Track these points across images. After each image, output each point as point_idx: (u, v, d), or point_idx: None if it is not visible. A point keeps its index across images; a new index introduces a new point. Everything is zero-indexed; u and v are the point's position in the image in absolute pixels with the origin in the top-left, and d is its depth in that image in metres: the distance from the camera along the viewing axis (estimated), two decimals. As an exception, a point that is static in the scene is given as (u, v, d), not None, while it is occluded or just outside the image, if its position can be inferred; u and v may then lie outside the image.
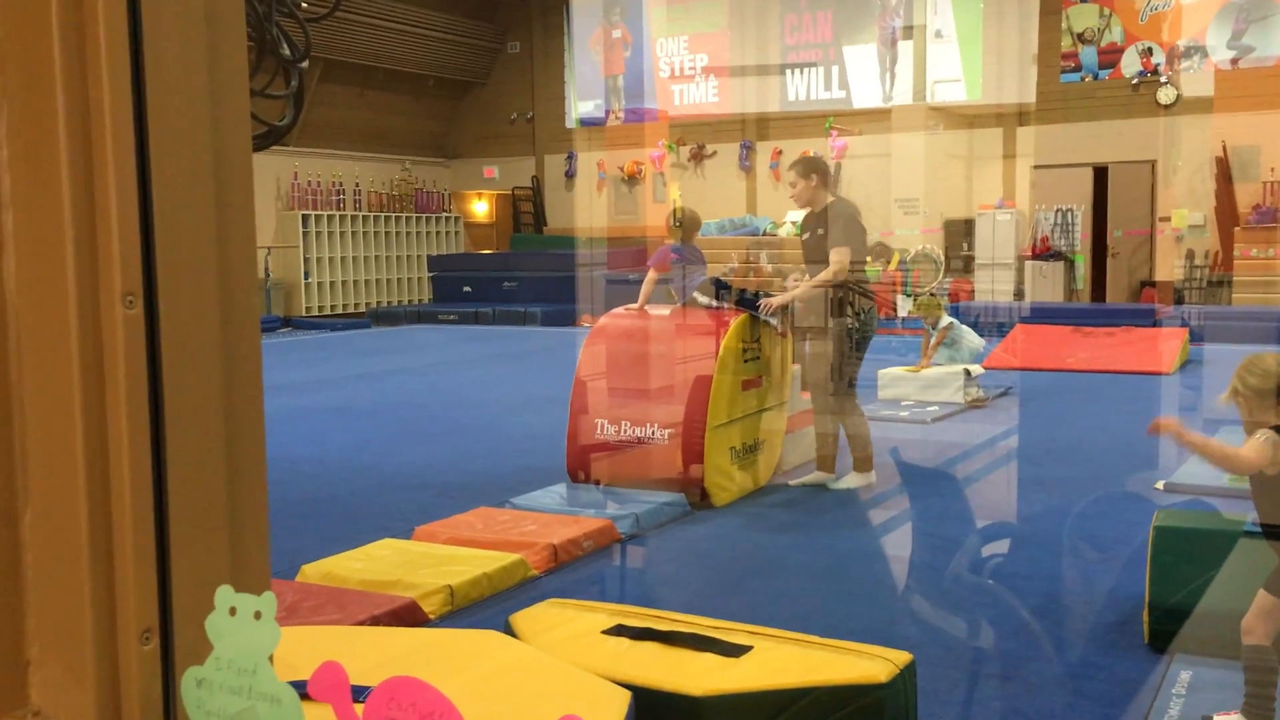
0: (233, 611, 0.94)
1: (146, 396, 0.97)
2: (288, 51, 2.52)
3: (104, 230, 0.96)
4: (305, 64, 2.56)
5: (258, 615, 0.93)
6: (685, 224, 6.50)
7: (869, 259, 16.32)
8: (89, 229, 0.96)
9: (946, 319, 9.16)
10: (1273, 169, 14.91)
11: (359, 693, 0.95)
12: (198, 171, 1.01)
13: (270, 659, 0.95)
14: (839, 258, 5.71)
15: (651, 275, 6.46)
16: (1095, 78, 16.16)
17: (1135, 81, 15.92)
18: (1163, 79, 15.72)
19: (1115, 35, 16.00)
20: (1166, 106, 15.69)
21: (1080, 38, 16.20)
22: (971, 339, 9.15)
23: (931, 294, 11.66)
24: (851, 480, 5.93)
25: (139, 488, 0.97)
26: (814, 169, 5.92)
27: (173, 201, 0.99)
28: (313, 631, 2.76)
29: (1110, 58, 16.06)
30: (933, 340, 9.01)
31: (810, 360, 6.37)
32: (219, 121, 1.04)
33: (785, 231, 17.63)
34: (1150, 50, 15.80)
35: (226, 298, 1.03)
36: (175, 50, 0.99)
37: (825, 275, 5.77)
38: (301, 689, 0.95)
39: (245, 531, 1.05)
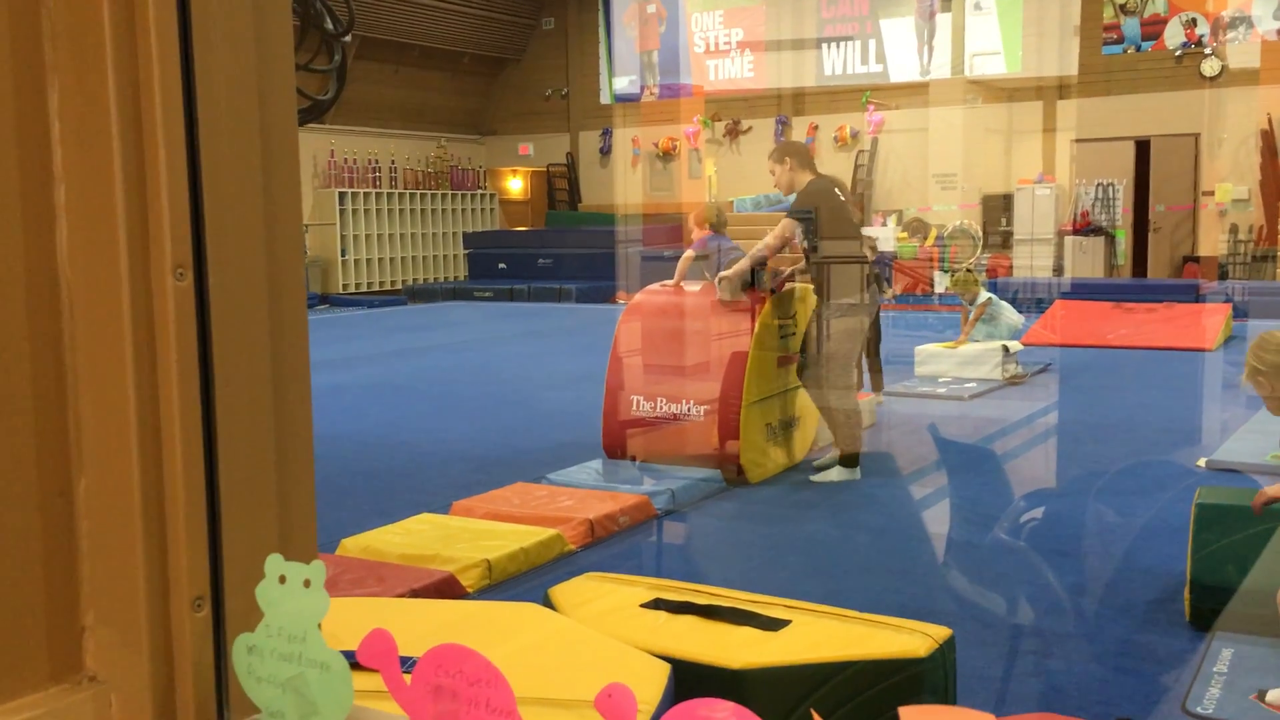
0: (282, 579, 0.95)
1: (197, 367, 0.98)
2: (331, 25, 2.53)
3: (154, 204, 0.97)
4: (349, 38, 2.57)
5: (307, 583, 0.95)
6: (719, 220, 6.52)
7: (905, 234, 16.22)
8: (140, 203, 0.97)
9: (984, 295, 9.08)
10: (1320, 141, 14.64)
11: (403, 663, 0.96)
12: (245, 145, 1.02)
13: (319, 626, 0.97)
14: (778, 229, 5.63)
15: (689, 254, 6.45)
16: (1138, 49, 15.91)
17: (1179, 53, 15.65)
18: (1207, 50, 15.44)
19: (1158, 6, 15.72)
20: (1211, 78, 15.42)
21: (1123, 9, 15.94)
22: (1010, 315, 9.08)
23: (968, 270, 11.53)
24: (836, 474, 5.62)
25: (190, 458, 0.99)
26: (787, 153, 5.78)
27: (221, 175, 1.00)
28: (355, 603, 2.80)
29: (1153, 29, 15.80)
30: (970, 316, 8.95)
31: (841, 337, 6.33)
32: (265, 95, 1.04)
33: (821, 207, 17.51)
34: (1194, 21, 15.51)
35: (274, 270, 1.04)
36: (223, 24, 0.99)
37: (759, 247, 5.70)
38: (348, 658, 0.97)
39: (293, 501, 1.06)
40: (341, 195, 18.60)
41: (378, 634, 0.94)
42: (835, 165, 18.08)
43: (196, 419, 0.98)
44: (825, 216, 5.64)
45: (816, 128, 18.25)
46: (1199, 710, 2.97)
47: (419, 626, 2.28)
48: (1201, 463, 5.71)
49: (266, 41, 1.03)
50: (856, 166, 17.73)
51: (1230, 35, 15.27)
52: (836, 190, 5.76)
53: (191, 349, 0.98)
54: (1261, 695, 3.01)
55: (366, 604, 2.79)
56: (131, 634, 1.00)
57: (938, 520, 5.13)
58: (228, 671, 1.00)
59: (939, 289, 15.35)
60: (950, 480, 5.91)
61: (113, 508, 1.00)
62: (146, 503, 0.98)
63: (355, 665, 0.96)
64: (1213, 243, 15.46)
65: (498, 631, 2.30)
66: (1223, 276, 14.82)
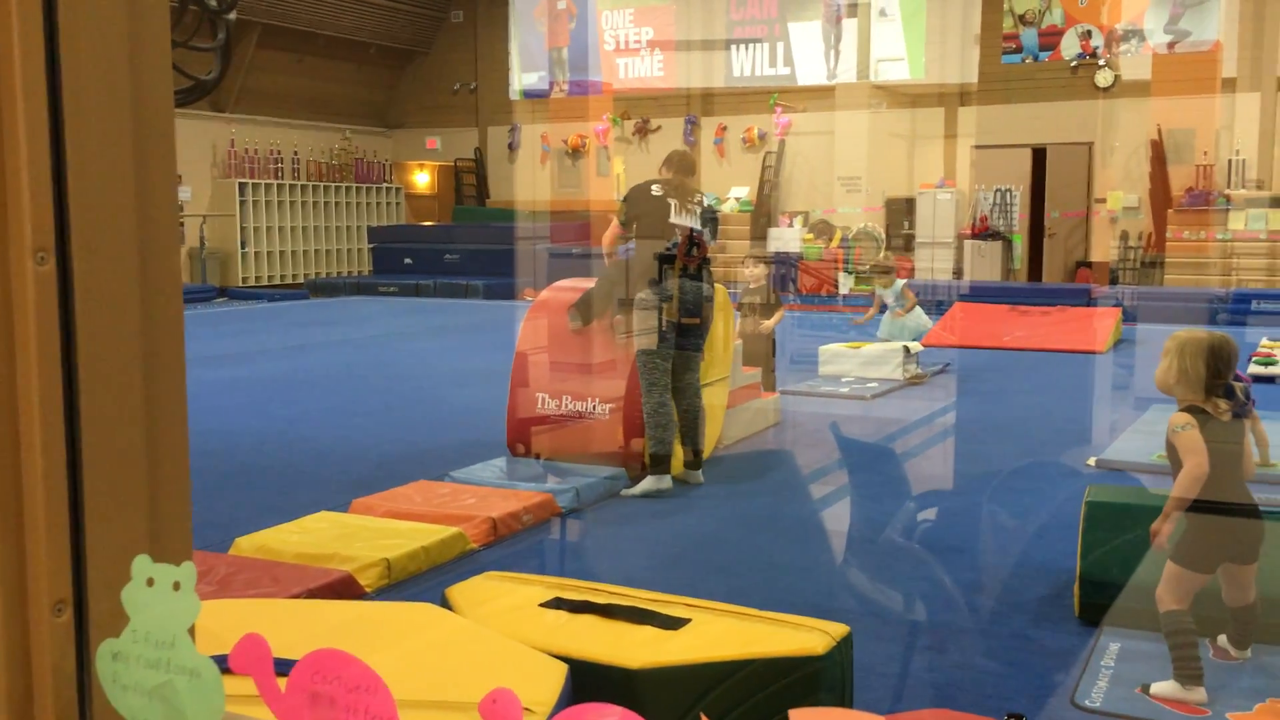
0: (150, 582, 0.90)
1: (59, 357, 0.93)
2: (213, 1, 2.44)
3: (13, 183, 0.92)
4: (232, 15, 2.48)
5: (176, 586, 0.90)
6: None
7: (811, 236, 16.37)
8: (-3, 181, 0.91)
9: (900, 283, 9.30)
10: (1205, 152, 15.20)
11: (286, 666, 0.92)
12: (115, 123, 0.97)
13: (192, 632, 0.92)
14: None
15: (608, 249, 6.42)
16: (1036, 59, 16.34)
17: (1074, 64, 16.11)
18: (1101, 62, 15.93)
19: (1056, 17, 16.17)
20: (1104, 89, 15.91)
21: (1022, 19, 16.36)
22: (919, 315, 9.26)
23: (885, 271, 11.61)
24: (642, 485, 5.38)
25: (51, 453, 0.93)
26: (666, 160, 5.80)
27: (88, 154, 0.94)
28: (244, 604, 2.71)
29: (1050, 40, 16.24)
30: (894, 306, 9.12)
31: (752, 339, 6.38)
32: (138, 72, 0.99)
33: (729, 207, 17.65)
34: (1089, 33, 15.99)
35: (146, 255, 0.99)
36: (90, -6, 0.94)
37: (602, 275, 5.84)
38: (222, 662, 0.92)
39: (165, 499, 1.01)
40: (242, 186, 18.16)
41: (250, 639, 0.90)
42: (743, 166, 18.22)
43: (58, 411, 0.93)
44: (641, 214, 5.58)
45: (725, 128, 18.38)
46: (1087, 703, 3.04)
47: (310, 629, 2.22)
48: (1091, 462, 5.87)
49: (140, 15, 0.98)
50: (764, 168, 17.89)
51: (1123, 48, 15.77)
52: (653, 188, 5.63)
53: (53, 337, 0.92)
54: (1146, 688, 3.10)
55: (255, 606, 2.71)
56: (-14, 641, 0.94)
57: (839, 518, 5.19)
58: (91, 680, 0.94)
59: (843, 290, 15.58)
60: (851, 479, 5.99)
61: (-34, 506, 0.93)
62: (3, 501, 0.93)
63: (228, 670, 0.92)
64: (1104, 248, 15.95)
65: (391, 633, 2.24)
66: (1113, 281, 15.30)
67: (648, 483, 5.36)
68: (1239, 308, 12.85)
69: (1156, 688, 3.07)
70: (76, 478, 0.94)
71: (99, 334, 0.95)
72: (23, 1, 0.91)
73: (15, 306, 0.92)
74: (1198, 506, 3.05)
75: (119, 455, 0.97)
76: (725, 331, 6.34)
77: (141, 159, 0.99)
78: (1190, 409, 3.07)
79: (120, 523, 0.97)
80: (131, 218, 0.98)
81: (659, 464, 5.38)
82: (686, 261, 5.49)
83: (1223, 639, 3.30)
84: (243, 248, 18.16)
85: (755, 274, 7.80)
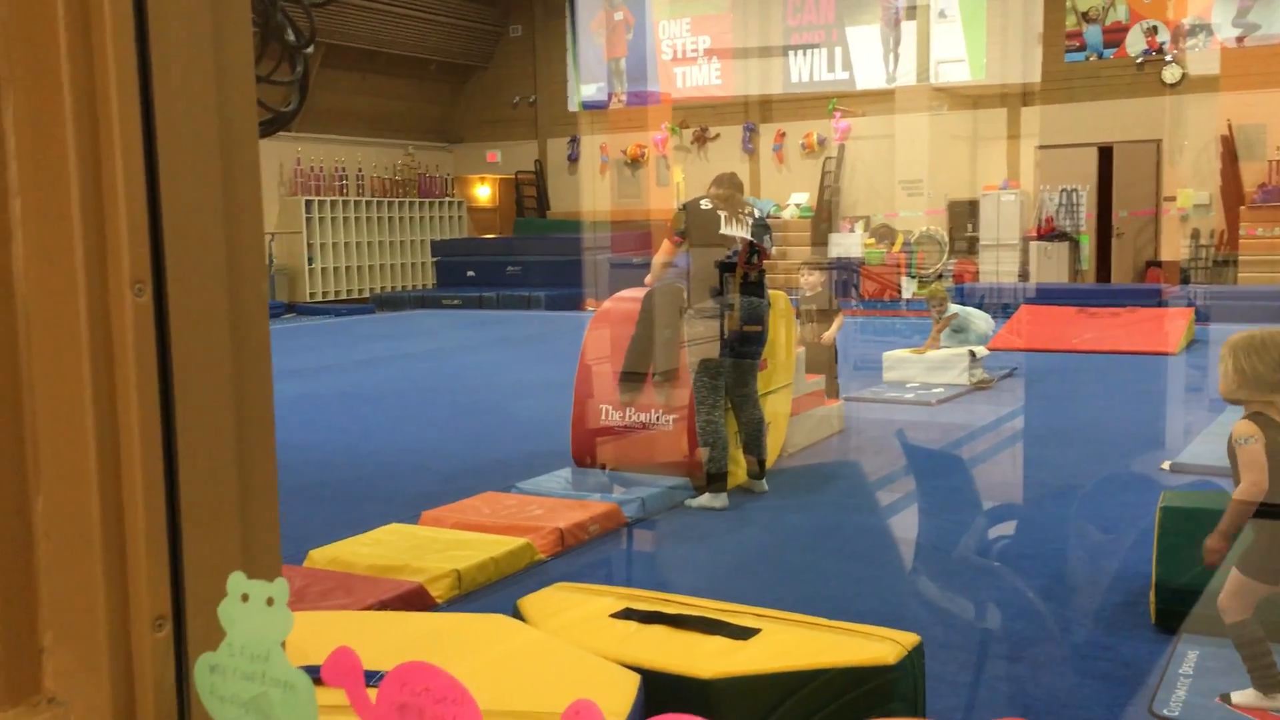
0: (245, 598, 0.94)
1: (156, 384, 0.97)
2: (292, 37, 2.51)
3: (112, 218, 0.96)
4: (310, 49, 2.54)
5: (270, 601, 0.93)
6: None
7: (873, 241, 16.26)
8: (97, 216, 0.96)
9: (952, 308, 9.14)
10: (1278, 147, 14.84)
11: (370, 677, 0.95)
12: (205, 158, 1.01)
13: (283, 645, 0.95)
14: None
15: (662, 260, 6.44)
16: (1100, 57, 16.08)
17: (1140, 60, 15.84)
18: (1168, 57, 15.64)
19: (1120, 14, 15.91)
20: (1172, 85, 15.62)
21: (1085, 16, 16.12)
22: (980, 324, 9.12)
23: (939, 277, 11.54)
24: (701, 500, 5.38)
25: (150, 475, 0.97)
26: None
27: (180, 188, 0.99)
28: (322, 617, 2.77)
29: (1115, 36, 15.98)
30: (935, 329, 9.00)
31: (814, 347, 6.34)
32: (225, 108, 1.03)
33: (789, 214, 17.59)
34: (1155, 29, 15.71)
35: (235, 284, 1.03)
36: (180, 35, 0.98)
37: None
38: (313, 674, 0.96)
39: (256, 518, 1.05)
40: (308, 203, 18.49)
41: (342, 652, 0.93)
42: (803, 172, 18.16)
43: (156, 436, 0.97)
44: (694, 226, 5.60)
45: (784, 134, 18.33)
46: (1165, 713, 2.99)
47: (387, 640, 2.27)
48: (1166, 466, 5.76)
49: (226, 53, 1.02)
50: (824, 173, 17.82)
51: (1190, 43, 15.47)
52: (703, 201, 5.64)
53: (151, 365, 0.97)
54: (1226, 697, 3.04)
55: (333, 618, 2.77)
56: (91, 654, 0.98)
57: (905, 526, 5.15)
58: (189, 692, 0.98)
59: (906, 294, 15.45)
60: (918, 486, 5.94)
61: (71, 526, 0.98)
62: (106, 521, 0.97)
63: (319, 682, 0.95)
64: (1175, 247, 15.64)
65: (466, 644, 2.28)
66: (1185, 281, 14.99)
67: (704, 499, 5.37)
68: (1316, 305, 12.52)
69: (1238, 697, 3.02)
70: (174, 499, 0.98)
71: (192, 359, 0.99)
72: (117, 43, 0.96)
73: (115, 336, 0.96)
74: (1268, 512, 2.99)
75: (213, 476, 1.01)
76: (787, 338, 6.33)
77: (230, 191, 1.03)
78: (1256, 415, 3.00)
79: (215, 541, 1.01)
80: (221, 247, 1.02)
81: (713, 482, 5.39)
82: (747, 269, 5.51)
83: (1302, 645, 3.23)
84: (310, 264, 18.48)
85: (812, 281, 7.78)
